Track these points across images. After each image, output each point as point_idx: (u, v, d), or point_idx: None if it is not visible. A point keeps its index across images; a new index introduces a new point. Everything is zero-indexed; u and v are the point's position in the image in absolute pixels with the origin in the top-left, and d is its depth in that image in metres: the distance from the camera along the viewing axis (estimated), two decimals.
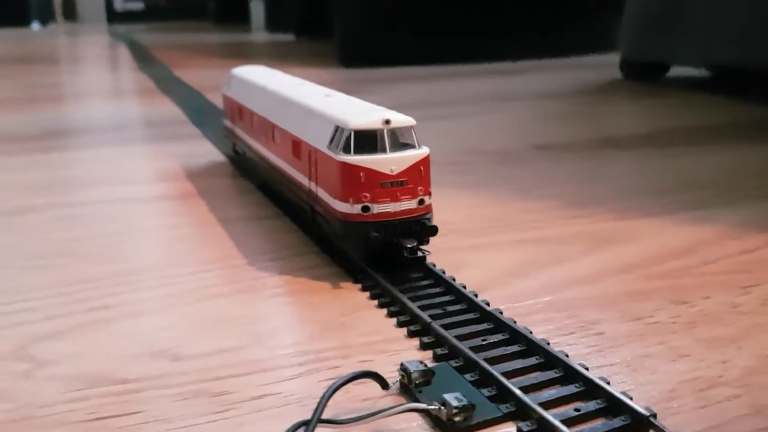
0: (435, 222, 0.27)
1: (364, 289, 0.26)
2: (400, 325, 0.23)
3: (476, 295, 0.24)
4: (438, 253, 0.28)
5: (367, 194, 0.26)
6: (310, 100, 0.31)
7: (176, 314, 0.24)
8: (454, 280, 0.26)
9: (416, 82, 0.85)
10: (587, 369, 0.20)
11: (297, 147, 0.30)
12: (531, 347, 0.21)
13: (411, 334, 0.22)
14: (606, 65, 0.90)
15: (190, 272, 0.28)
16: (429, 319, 0.23)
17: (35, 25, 2.26)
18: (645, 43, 0.76)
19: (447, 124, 0.58)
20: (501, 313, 0.23)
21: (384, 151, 0.26)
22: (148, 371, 0.20)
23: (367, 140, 0.26)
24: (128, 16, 2.45)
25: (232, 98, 0.41)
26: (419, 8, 1.04)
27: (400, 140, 0.27)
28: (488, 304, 0.24)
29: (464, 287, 0.25)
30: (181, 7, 2.50)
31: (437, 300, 0.24)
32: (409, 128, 0.28)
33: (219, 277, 0.27)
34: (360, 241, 0.26)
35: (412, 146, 0.27)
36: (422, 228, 0.26)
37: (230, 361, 0.21)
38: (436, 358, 0.21)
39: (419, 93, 0.76)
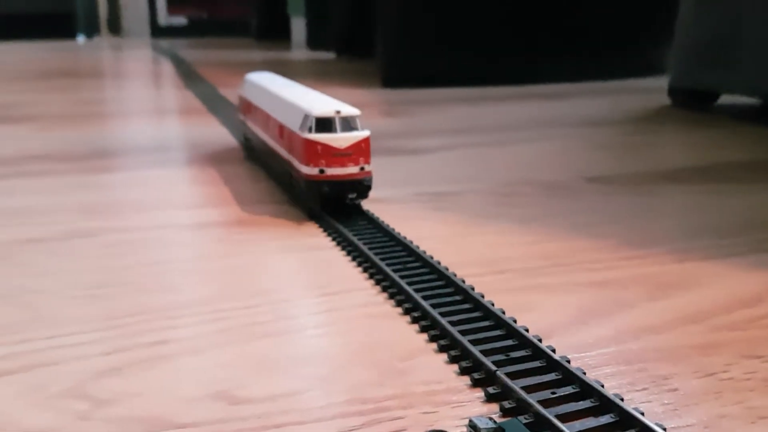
0: (491, 259, 0.31)
1: (421, 330, 0.25)
2: (462, 371, 0.22)
3: (540, 341, 0.24)
4: (496, 293, 0.28)
5: (323, 161, 0.36)
6: (292, 97, 0.42)
7: (231, 352, 0.24)
8: (515, 322, 0.25)
9: (459, 105, 0.84)
10: (665, 430, 0.19)
11: (281, 130, 0.41)
12: (605, 403, 0.20)
13: (475, 383, 0.22)
14: (652, 91, 0.88)
15: (244, 306, 0.27)
16: (494, 367, 0.22)
17: (81, 38, 2.33)
18: (695, 70, 0.74)
19: (493, 151, 0.57)
20: (569, 362, 0.22)
21: (336, 131, 0.37)
22: (206, 415, 0.20)
23: (325, 124, 0.37)
24: (171, 31, 2.50)
25: (243, 96, 0.52)
26: (463, 29, 1.04)
27: (350, 125, 0.37)
28: (554, 351, 0.23)
29: (527, 330, 0.24)
30: (222, 22, 2.55)
31: (499, 344, 0.24)
32: (354, 117, 0.38)
33: (271, 312, 0.27)
34: (317, 194, 0.37)
35: (356, 129, 0.37)
36: (361, 186, 0.37)
37: (289, 406, 0.20)
38: (504, 411, 0.20)
39: (463, 117, 0.75)
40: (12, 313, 0.26)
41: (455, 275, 0.29)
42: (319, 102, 0.39)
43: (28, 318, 0.26)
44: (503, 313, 0.26)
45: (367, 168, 0.37)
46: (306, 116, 0.37)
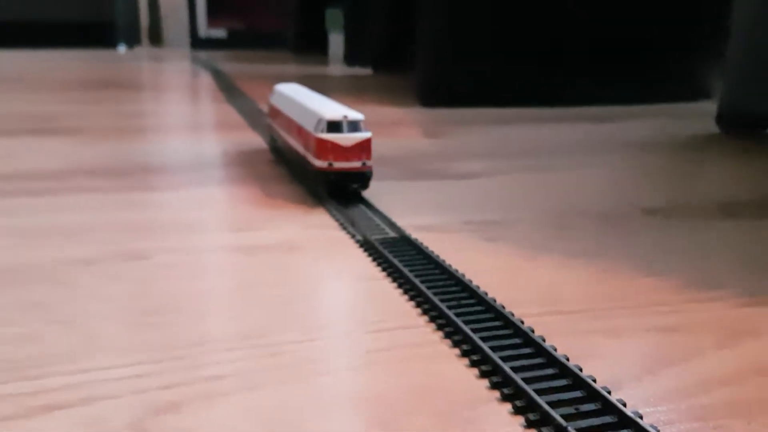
0: (549, 298, 0.31)
1: (482, 375, 0.24)
2: (529, 425, 0.21)
3: (609, 393, 0.23)
4: (557, 336, 0.27)
5: (332, 156, 0.44)
6: (309, 104, 0.50)
7: (289, 390, 0.23)
8: (581, 370, 0.24)
9: (501, 126, 0.83)
10: None
11: (300, 131, 0.49)
12: None
13: None
14: (698, 116, 0.86)
15: (298, 340, 0.27)
16: (564, 422, 0.21)
17: (122, 48, 2.37)
18: (747, 95, 0.72)
19: (541, 177, 0.56)
20: (641, 417, 0.21)
21: (342, 132, 0.44)
22: None
23: (334, 126, 0.45)
24: (211, 43, 2.54)
25: (272, 104, 0.61)
26: (505, 47, 1.03)
27: (355, 127, 0.45)
28: (625, 405, 0.22)
29: (594, 380, 0.23)
30: (260, 35, 2.58)
31: (567, 396, 0.23)
32: (358, 121, 0.45)
33: (326, 348, 0.26)
34: (325, 182, 0.45)
35: (360, 131, 0.45)
36: (362, 177, 0.45)
37: None
38: None
39: (507, 139, 0.74)
40: (70, 341, 0.26)
41: (513, 314, 0.28)
42: (331, 108, 0.47)
43: (86, 346, 0.26)
44: (567, 359, 0.25)
45: (368, 163, 0.45)
46: (319, 120, 0.45)
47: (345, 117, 0.45)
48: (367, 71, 1.71)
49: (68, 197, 0.47)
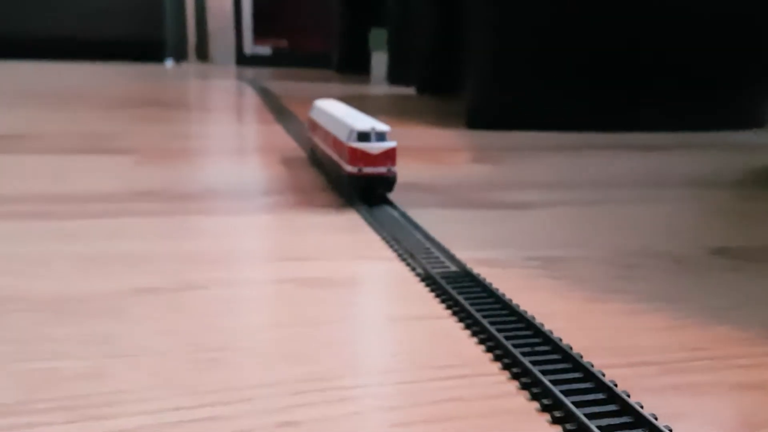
0: (626, 347, 0.30)
1: None
2: None
3: None
4: (640, 392, 0.25)
5: (361, 163, 0.50)
6: (343, 117, 0.55)
7: None
8: (670, 431, 0.23)
9: (555, 153, 0.82)
10: None
11: (334, 141, 0.55)
12: None
13: None
14: (759, 147, 0.83)
15: (366, 384, 0.26)
16: None
17: (169, 63, 2.43)
18: None
19: (601, 211, 0.54)
20: None
21: (371, 141, 0.50)
22: None
23: (364, 136, 0.50)
24: (256, 60, 2.57)
25: (311, 117, 0.68)
26: (557, 70, 1.02)
27: (382, 137, 0.51)
28: None
29: None
30: (304, 54, 2.61)
31: None
32: (384, 132, 0.51)
33: (399, 395, 0.25)
34: (356, 186, 0.51)
35: (386, 141, 0.51)
36: (387, 182, 0.51)
37: None
38: None
39: (561, 167, 0.73)
40: (136, 377, 0.26)
41: (592, 365, 0.27)
42: (361, 121, 0.53)
43: (153, 383, 0.25)
44: (656, 418, 0.23)
45: (393, 169, 0.51)
46: (351, 131, 0.51)
47: (373, 128, 0.51)
48: (410, 91, 1.71)
49: (125, 221, 0.47)
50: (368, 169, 0.50)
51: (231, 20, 2.53)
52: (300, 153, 0.76)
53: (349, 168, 0.50)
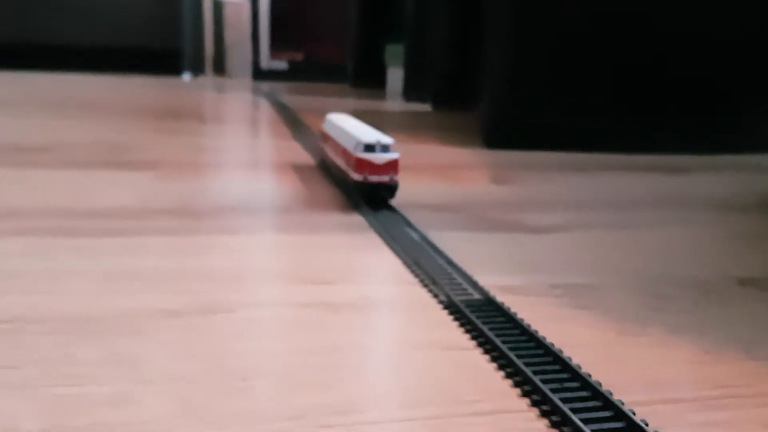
0: (655, 381, 0.29)
1: None
2: None
3: None
4: (674, 430, 0.25)
5: (367, 171, 0.55)
6: (351, 130, 0.60)
7: None
8: None
9: (574, 173, 0.81)
10: None
11: (343, 151, 0.61)
12: None
13: None
14: None
15: (402, 418, 0.25)
16: None
17: (186, 76, 2.45)
18: None
19: (623, 235, 0.54)
20: None
21: (376, 152, 0.55)
22: None
23: (370, 148, 0.56)
24: (272, 74, 2.59)
25: (322, 129, 0.74)
26: (578, 88, 1.01)
27: (386, 149, 0.56)
28: None
29: None
30: (319, 67, 2.62)
31: None
32: (388, 144, 0.56)
33: (428, 430, 0.25)
34: (361, 192, 0.56)
35: (390, 152, 0.56)
36: (390, 189, 0.56)
37: None
38: None
39: (581, 188, 0.72)
40: (164, 405, 0.25)
41: (623, 403, 0.26)
42: (368, 134, 0.58)
43: (182, 412, 0.25)
44: None
45: (395, 178, 0.56)
46: (358, 143, 0.56)
47: (378, 141, 0.56)
48: (425, 107, 1.71)
49: (147, 239, 0.47)
50: (373, 177, 0.55)
51: (248, 35, 2.55)
52: (318, 170, 0.76)
53: (356, 176, 0.56)
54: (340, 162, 0.62)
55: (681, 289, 0.41)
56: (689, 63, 1.00)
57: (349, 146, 0.58)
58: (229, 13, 2.50)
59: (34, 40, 2.53)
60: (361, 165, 0.55)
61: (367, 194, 0.56)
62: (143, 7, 2.50)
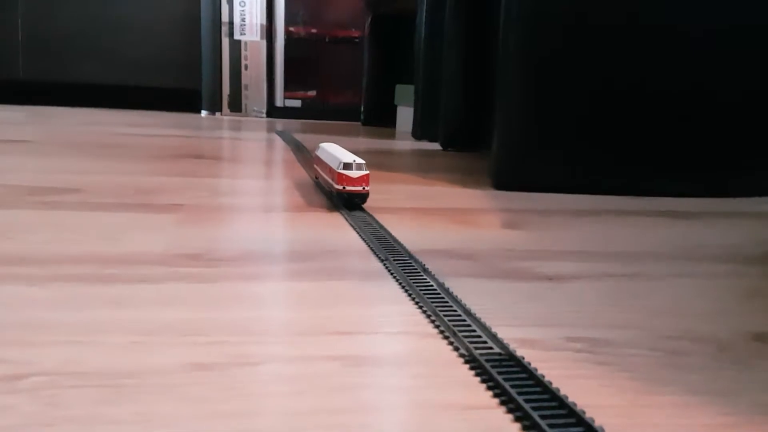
0: None
1: None
2: None
3: None
4: None
5: (344, 183, 0.75)
6: (335, 153, 0.81)
7: None
8: None
9: (587, 218, 0.82)
10: None
11: (329, 169, 0.81)
12: None
13: None
14: None
15: None
16: None
17: (204, 113, 2.51)
18: None
19: (638, 286, 0.54)
20: None
21: (352, 170, 0.75)
22: None
23: (347, 166, 0.75)
24: (286, 112, 2.64)
25: (316, 154, 0.94)
26: (591, 130, 1.03)
27: (360, 168, 0.76)
28: None
29: None
30: (331, 106, 2.68)
31: None
32: (362, 164, 0.76)
33: None
34: (341, 199, 0.77)
35: (363, 170, 0.76)
36: (362, 197, 0.76)
37: None
38: None
39: (595, 235, 0.73)
40: None
41: None
42: (347, 155, 0.79)
43: None
44: None
45: (366, 188, 0.76)
46: (339, 162, 0.76)
47: (354, 161, 0.76)
48: (435, 147, 1.74)
49: (176, 286, 0.48)
50: (350, 188, 0.76)
51: (264, 75, 2.61)
52: (337, 216, 0.77)
53: (337, 186, 0.77)
54: (326, 176, 0.84)
55: (698, 345, 0.42)
56: (700, 107, 1.02)
57: (333, 165, 0.79)
58: (245, 54, 2.56)
59: (62, 79, 2.61)
60: (342, 179, 0.76)
61: (345, 200, 0.77)
62: (167, 49, 2.58)
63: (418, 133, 1.90)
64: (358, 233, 0.69)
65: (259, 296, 0.47)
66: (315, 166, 0.96)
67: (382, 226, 0.72)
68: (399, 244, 0.64)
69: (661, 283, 0.56)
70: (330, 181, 0.80)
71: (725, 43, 1.01)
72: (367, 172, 0.76)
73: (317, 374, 0.35)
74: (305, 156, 1.39)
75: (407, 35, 2.10)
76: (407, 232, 0.70)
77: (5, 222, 0.66)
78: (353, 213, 0.77)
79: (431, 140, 1.85)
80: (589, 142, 1.02)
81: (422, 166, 1.33)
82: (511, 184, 1.04)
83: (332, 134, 1.96)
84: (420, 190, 1.01)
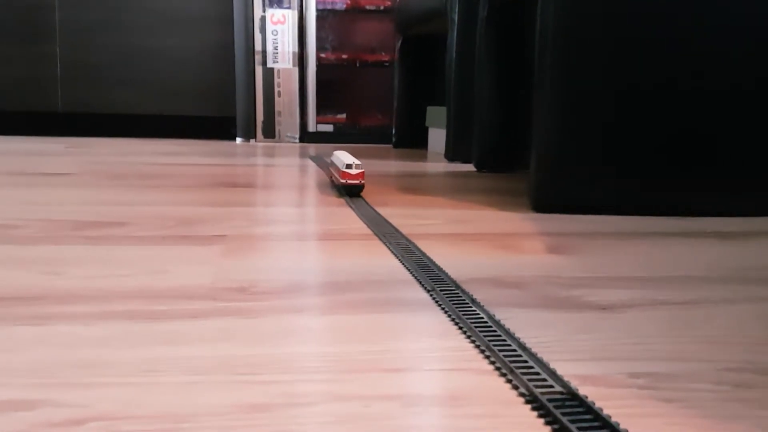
0: None
1: None
2: None
3: None
4: None
5: (347, 178, 1.07)
6: (341, 158, 1.13)
7: None
8: None
9: (632, 240, 0.81)
10: None
11: (336, 169, 1.15)
12: None
13: None
14: None
15: None
16: None
17: (239, 140, 2.56)
18: None
19: (695, 314, 0.53)
20: None
21: (353, 168, 1.08)
22: None
23: (348, 166, 1.08)
24: (319, 136, 2.67)
25: (330, 159, 1.27)
26: (633, 149, 1.01)
27: (359, 167, 1.08)
28: None
29: None
30: (363, 129, 2.69)
31: None
32: (359, 164, 1.08)
33: None
34: (345, 189, 1.08)
35: (359, 169, 1.08)
36: (359, 187, 1.08)
37: None
38: None
39: (643, 259, 0.71)
40: None
41: None
42: (349, 159, 1.08)
43: None
44: None
45: (362, 181, 1.06)
46: (343, 164, 1.07)
47: (354, 162, 1.07)
48: (469, 168, 1.73)
49: (226, 321, 0.48)
50: (351, 181, 1.07)
51: (296, 101, 2.64)
52: (375, 241, 0.77)
53: (342, 180, 1.07)
54: (335, 174, 1.16)
55: (757, 378, 0.40)
56: (742, 124, 1.00)
57: (340, 165, 1.09)
58: (278, 81, 2.60)
59: (100, 110, 2.68)
60: (345, 175, 1.07)
61: (347, 190, 1.07)
62: (202, 78, 2.65)
63: (451, 154, 1.90)
64: (400, 261, 0.68)
65: (307, 330, 0.47)
66: (330, 168, 1.30)
67: (424, 254, 0.71)
68: (443, 272, 0.64)
69: (716, 309, 0.54)
70: (337, 176, 1.13)
71: None
72: (363, 170, 1.07)
73: (376, 415, 0.35)
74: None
75: (437, 57, 2.11)
76: (449, 260, 0.69)
77: (52, 257, 0.67)
78: (393, 241, 0.77)
79: (464, 161, 1.84)
80: (634, 161, 1.01)
81: (458, 189, 1.32)
82: (551, 206, 1.02)
83: (364, 157, 1.96)
84: (457, 213, 1.00)
